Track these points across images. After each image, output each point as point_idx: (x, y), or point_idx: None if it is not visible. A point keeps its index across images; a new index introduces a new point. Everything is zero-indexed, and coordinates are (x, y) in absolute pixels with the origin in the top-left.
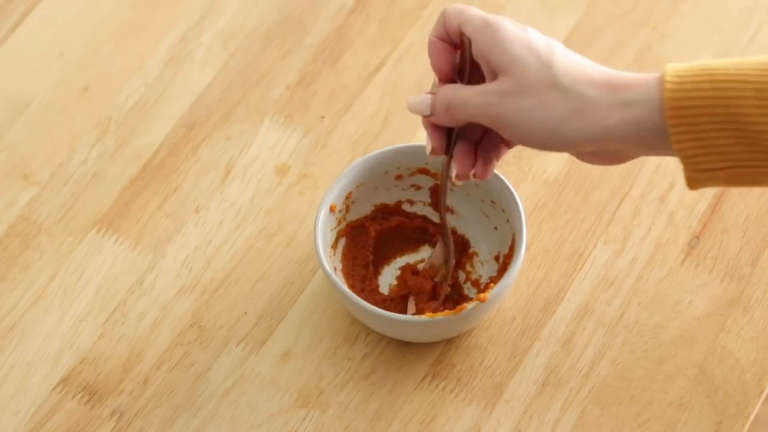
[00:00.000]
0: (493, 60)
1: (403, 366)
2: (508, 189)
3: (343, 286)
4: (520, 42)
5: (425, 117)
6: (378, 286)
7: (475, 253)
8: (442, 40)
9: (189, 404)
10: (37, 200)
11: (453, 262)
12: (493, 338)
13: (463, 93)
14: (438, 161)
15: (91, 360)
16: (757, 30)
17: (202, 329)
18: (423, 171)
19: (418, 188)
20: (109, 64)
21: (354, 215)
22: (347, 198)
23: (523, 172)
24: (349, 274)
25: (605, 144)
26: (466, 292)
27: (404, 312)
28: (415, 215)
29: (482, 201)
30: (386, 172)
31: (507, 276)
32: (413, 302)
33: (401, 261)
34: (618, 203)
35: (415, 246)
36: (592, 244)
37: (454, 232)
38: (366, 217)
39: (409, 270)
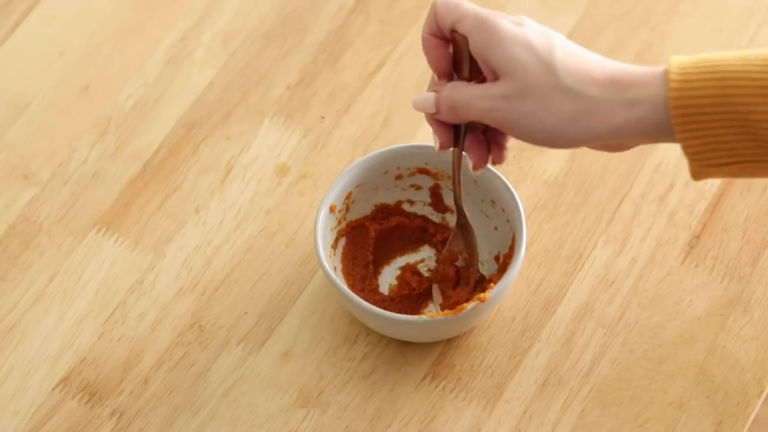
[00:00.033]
0: (492, 62)
1: (403, 366)
2: (508, 189)
3: (343, 286)
4: (519, 42)
5: (430, 114)
6: (378, 286)
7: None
8: (435, 36)
9: (189, 404)
10: (37, 200)
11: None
12: (493, 338)
13: (466, 95)
14: (438, 161)
15: (91, 360)
16: (757, 30)
17: (202, 329)
18: (423, 171)
19: (418, 188)
20: (109, 64)
21: (354, 215)
22: (347, 198)
23: (523, 172)
24: (349, 274)
25: (610, 140)
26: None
27: (428, 302)
28: (415, 215)
29: (482, 201)
30: (386, 172)
31: (507, 276)
32: (438, 291)
33: (401, 261)
34: (618, 203)
35: (415, 246)
36: (592, 244)
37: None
38: (366, 217)
39: (409, 270)
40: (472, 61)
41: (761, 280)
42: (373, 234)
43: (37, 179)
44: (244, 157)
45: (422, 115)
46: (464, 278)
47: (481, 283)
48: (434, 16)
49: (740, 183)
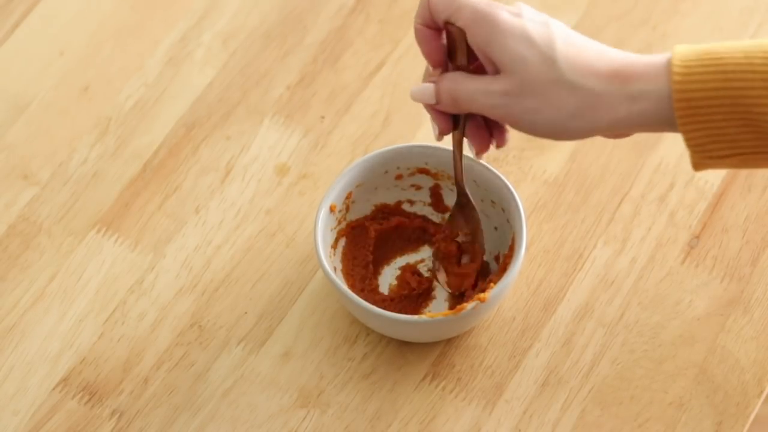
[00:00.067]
0: (493, 57)
1: (403, 366)
2: (508, 189)
3: (343, 286)
4: (518, 36)
5: (430, 105)
6: (378, 286)
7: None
8: (428, 26)
9: (189, 404)
10: (37, 200)
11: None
12: (493, 338)
13: (468, 89)
14: (438, 161)
15: (91, 360)
16: (757, 30)
17: (202, 329)
18: (423, 171)
19: (418, 188)
20: (109, 64)
21: (354, 215)
22: (347, 198)
23: (523, 172)
24: (349, 274)
25: (612, 132)
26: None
27: (428, 302)
28: (415, 215)
29: (482, 201)
30: (386, 172)
31: (507, 276)
32: (443, 271)
33: (401, 261)
34: (618, 203)
35: (415, 246)
36: (592, 244)
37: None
38: (366, 217)
39: (409, 270)
40: (468, 50)
41: (761, 280)
42: (373, 234)
43: (37, 179)
44: (244, 157)
45: (423, 115)
46: (469, 253)
47: (486, 267)
48: (427, 8)
49: (740, 183)
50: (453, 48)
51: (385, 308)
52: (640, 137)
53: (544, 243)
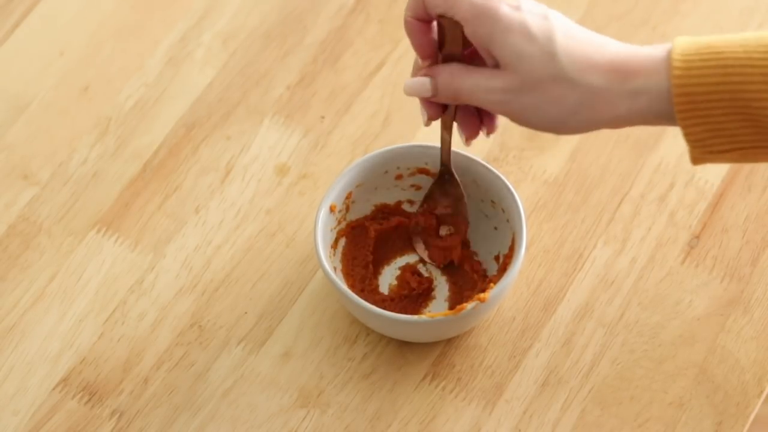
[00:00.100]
0: (494, 53)
1: (403, 366)
2: (508, 189)
3: (343, 286)
4: (518, 31)
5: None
6: (378, 286)
7: (475, 253)
8: (419, 19)
9: (189, 404)
10: (37, 200)
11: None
12: (493, 338)
13: (468, 82)
14: (438, 161)
15: (91, 360)
16: (757, 30)
17: (202, 329)
18: (423, 171)
19: (418, 188)
20: (109, 64)
21: (354, 215)
22: (347, 198)
23: (523, 172)
24: (349, 274)
25: (611, 127)
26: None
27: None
28: (415, 215)
29: (482, 201)
30: (386, 172)
31: (507, 276)
32: (421, 243)
33: (401, 261)
34: (618, 203)
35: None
36: (592, 244)
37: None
38: (366, 217)
39: (409, 270)
40: (463, 40)
41: (761, 280)
42: (373, 234)
43: (37, 179)
44: (244, 157)
45: None
46: (449, 224)
47: (468, 247)
48: (421, 4)
49: (740, 183)
50: (444, 38)
51: (385, 308)
52: (640, 137)
53: (544, 243)
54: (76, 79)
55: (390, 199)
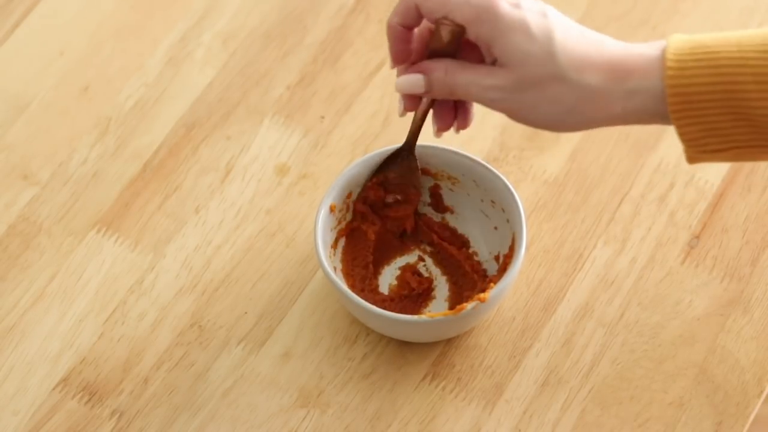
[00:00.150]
0: (495, 52)
1: (403, 366)
2: (508, 189)
3: (343, 286)
4: (518, 29)
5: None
6: (378, 286)
7: (475, 253)
8: (407, 26)
9: (189, 404)
10: (37, 200)
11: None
12: (493, 338)
13: (464, 80)
14: (438, 161)
15: (91, 360)
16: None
17: (202, 329)
18: (423, 171)
19: None
20: (109, 64)
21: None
22: (347, 198)
23: (523, 172)
24: (349, 274)
25: (606, 126)
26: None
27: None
28: (415, 215)
29: (482, 201)
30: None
31: (507, 276)
32: (371, 216)
33: (401, 261)
34: (618, 203)
35: (415, 246)
36: (592, 244)
37: (453, 231)
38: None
39: (409, 270)
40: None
41: (761, 280)
42: (373, 237)
43: (37, 179)
44: (244, 157)
45: None
46: (398, 193)
47: (468, 247)
48: (413, 8)
49: (740, 183)
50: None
51: (385, 308)
52: (640, 137)
53: (544, 243)
54: (76, 79)
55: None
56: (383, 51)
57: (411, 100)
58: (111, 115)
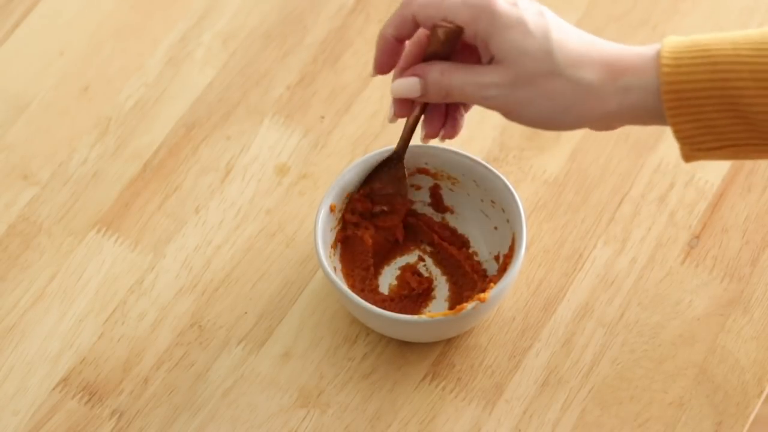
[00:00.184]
0: (492, 48)
1: (403, 366)
2: (508, 189)
3: (343, 286)
4: (517, 26)
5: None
6: (378, 286)
7: (475, 253)
8: (400, 38)
9: (189, 404)
10: (37, 200)
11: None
12: (493, 338)
13: (460, 81)
14: (438, 161)
15: (91, 360)
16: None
17: (202, 329)
18: (423, 171)
19: (418, 188)
20: (109, 64)
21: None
22: (347, 198)
23: (523, 172)
24: (349, 274)
25: (603, 125)
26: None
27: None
28: (415, 215)
29: (482, 201)
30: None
31: (507, 276)
32: (365, 227)
33: (401, 261)
34: (618, 203)
35: (415, 246)
36: (592, 244)
37: (453, 231)
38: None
39: (409, 270)
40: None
41: (761, 280)
42: (370, 242)
43: (37, 179)
44: (244, 157)
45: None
46: (388, 205)
47: (468, 247)
48: (409, 19)
49: (740, 183)
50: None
51: (385, 308)
52: (640, 137)
53: (544, 243)
54: (76, 79)
55: None
56: None
57: (402, 106)
58: (111, 115)
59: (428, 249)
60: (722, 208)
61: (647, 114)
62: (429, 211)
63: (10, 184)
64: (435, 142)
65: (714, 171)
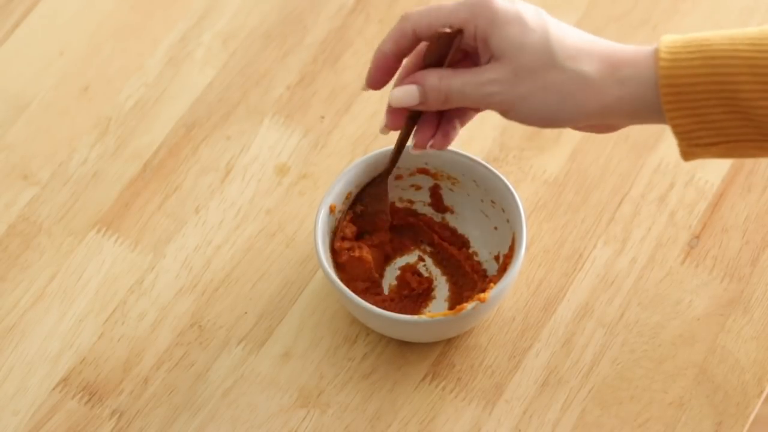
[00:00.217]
0: (491, 45)
1: (403, 366)
2: (508, 189)
3: (343, 286)
4: (515, 21)
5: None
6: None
7: (475, 253)
8: (399, 54)
9: (189, 404)
10: (37, 200)
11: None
12: (493, 338)
13: (458, 83)
14: (438, 161)
15: (91, 360)
16: None
17: (202, 329)
18: (423, 171)
19: (418, 188)
20: (109, 64)
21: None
22: (347, 198)
23: (523, 172)
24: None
25: (602, 120)
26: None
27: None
28: (415, 215)
29: (482, 201)
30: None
31: (507, 276)
32: (361, 248)
33: (401, 261)
34: (618, 203)
35: (415, 246)
36: (592, 244)
37: (453, 231)
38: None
39: (409, 270)
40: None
41: (761, 280)
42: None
43: (37, 179)
44: (244, 157)
45: None
46: (371, 225)
47: (468, 247)
48: (408, 34)
49: (740, 183)
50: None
51: (385, 308)
52: (639, 137)
53: (544, 243)
54: (76, 79)
55: (390, 199)
56: None
57: (395, 117)
58: (111, 115)
59: (428, 249)
60: (722, 208)
61: (645, 108)
62: (429, 211)
63: (10, 184)
64: None
65: (714, 171)
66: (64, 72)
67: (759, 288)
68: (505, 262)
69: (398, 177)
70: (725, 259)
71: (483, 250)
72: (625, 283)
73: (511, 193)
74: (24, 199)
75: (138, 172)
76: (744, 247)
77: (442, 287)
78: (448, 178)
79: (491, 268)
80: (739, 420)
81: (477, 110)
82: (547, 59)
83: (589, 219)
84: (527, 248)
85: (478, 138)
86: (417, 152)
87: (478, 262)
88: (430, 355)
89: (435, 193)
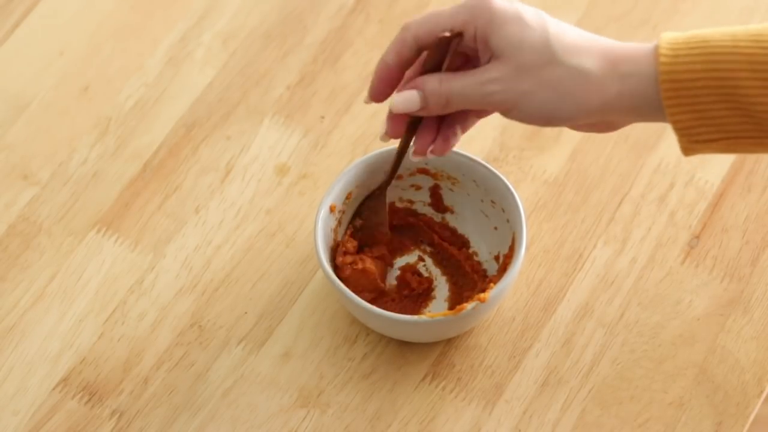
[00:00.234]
0: (491, 44)
1: (403, 366)
2: (508, 189)
3: (343, 286)
4: (515, 20)
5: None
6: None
7: (475, 253)
8: (403, 64)
9: (189, 404)
10: (37, 200)
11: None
12: (493, 338)
13: (459, 85)
14: (438, 161)
15: (91, 360)
16: None
17: (202, 329)
18: (423, 171)
19: (418, 188)
20: (109, 64)
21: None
22: (347, 198)
23: (523, 172)
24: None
25: (602, 116)
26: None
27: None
28: (415, 215)
29: (482, 201)
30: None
31: (507, 276)
32: (363, 260)
33: (401, 261)
34: (618, 203)
35: (415, 246)
36: (592, 244)
37: (453, 231)
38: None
39: (409, 270)
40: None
41: (761, 280)
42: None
43: (37, 179)
44: (244, 157)
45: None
46: (371, 239)
47: (468, 247)
48: (411, 44)
49: (740, 183)
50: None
51: (385, 308)
52: (640, 137)
53: (544, 243)
54: (76, 79)
55: (390, 199)
56: (383, 51)
57: (395, 124)
58: (111, 115)
59: (428, 249)
60: (722, 208)
61: (645, 104)
62: (429, 211)
63: (10, 184)
64: None
65: (714, 171)
66: (64, 72)
67: (759, 288)
68: (505, 262)
69: (398, 177)
70: (725, 259)
71: (483, 250)
72: (625, 283)
73: (511, 193)
74: (24, 199)
75: (138, 172)
76: (744, 247)
77: (442, 287)
78: (448, 178)
79: (491, 268)
80: (739, 420)
81: (479, 115)
82: (547, 56)
83: (589, 219)
84: (527, 248)
85: (478, 138)
86: (417, 159)
87: (478, 262)
88: (430, 355)
89: (435, 193)
